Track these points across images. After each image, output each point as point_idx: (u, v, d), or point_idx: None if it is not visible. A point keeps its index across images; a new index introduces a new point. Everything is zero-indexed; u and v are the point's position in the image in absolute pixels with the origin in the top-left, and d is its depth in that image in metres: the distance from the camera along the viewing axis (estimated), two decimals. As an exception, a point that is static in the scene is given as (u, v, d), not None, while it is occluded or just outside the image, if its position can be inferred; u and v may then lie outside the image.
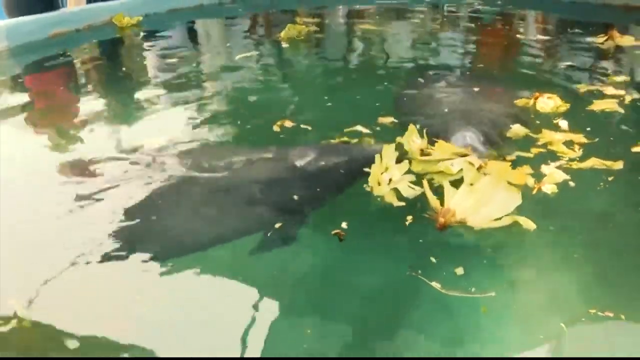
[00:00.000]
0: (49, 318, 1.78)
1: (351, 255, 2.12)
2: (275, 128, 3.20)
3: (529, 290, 1.92)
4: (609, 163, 2.60)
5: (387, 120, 3.24)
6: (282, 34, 5.57)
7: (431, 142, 2.65)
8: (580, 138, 2.87)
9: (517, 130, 2.99)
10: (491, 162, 2.49)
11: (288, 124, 3.24)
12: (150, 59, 5.20)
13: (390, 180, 2.45)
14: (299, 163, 2.67)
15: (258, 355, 1.65)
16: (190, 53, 5.44)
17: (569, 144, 2.82)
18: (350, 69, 4.92)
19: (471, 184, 2.17)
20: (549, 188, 2.41)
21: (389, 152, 2.54)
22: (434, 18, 6.97)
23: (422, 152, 2.60)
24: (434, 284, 1.86)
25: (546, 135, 2.93)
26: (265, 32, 6.53)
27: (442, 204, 2.16)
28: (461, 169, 2.37)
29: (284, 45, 5.43)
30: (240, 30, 6.48)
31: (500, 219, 2.08)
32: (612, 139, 2.94)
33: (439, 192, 2.26)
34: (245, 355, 1.64)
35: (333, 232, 2.16)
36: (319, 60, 5.24)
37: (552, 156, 2.71)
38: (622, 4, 6.67)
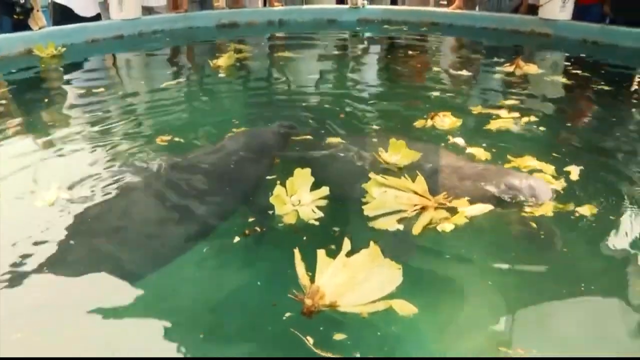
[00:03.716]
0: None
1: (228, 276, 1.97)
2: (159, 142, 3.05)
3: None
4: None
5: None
6: (221, 61, 5.12)
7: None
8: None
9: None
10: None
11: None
12: (70, 92, 4.67)
13: (299, 201, 2.25)
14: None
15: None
16: (110, 85, 4.91)
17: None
18: (270, 95, 4.59)
19: (346, 256, 1.77)
20: (445, 227, 2.12)
21: (301, 175, 2.33)
22: (353, 46, 6.74)
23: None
24: (308, 338, 1.53)
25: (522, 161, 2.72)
26: (189, 61, 6.17)
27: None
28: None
29: (221, 73, 4.97)
30: (162, 60, 6.01)
31: (376, 301, 1.66)
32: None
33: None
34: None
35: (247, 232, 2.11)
36: (241, 87, 4.85)
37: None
38: (529, 30, 6.62)
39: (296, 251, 1.81)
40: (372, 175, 2.38)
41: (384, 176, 2.38)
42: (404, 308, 1.63)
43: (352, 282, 1.67)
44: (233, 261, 2.09)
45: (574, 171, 2.62)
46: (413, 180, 2.34)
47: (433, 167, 2.58)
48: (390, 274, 1.69)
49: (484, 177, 2.42)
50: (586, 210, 2.26)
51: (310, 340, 1.55)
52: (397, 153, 2.65)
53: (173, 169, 2.59)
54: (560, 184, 2.49)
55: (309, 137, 3.14)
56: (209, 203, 2.39)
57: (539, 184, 2.36)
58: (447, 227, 2.13)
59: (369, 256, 1.72)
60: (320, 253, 1.79)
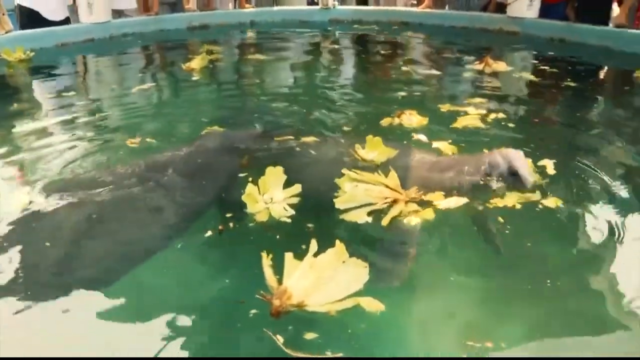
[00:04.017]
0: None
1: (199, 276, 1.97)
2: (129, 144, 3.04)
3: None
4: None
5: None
6: (193, 63, 5.08)
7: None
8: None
9: None
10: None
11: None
12: (39, 96, 4.58)
13: (271, 199, 2.26)
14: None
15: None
16: (80, 88, 4.80)
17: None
18: (243, 96, 4.54)
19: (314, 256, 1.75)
20: (412, 220, 2.13)
21: (273, 173, 2.33)
22: (324, 46, 6.71)
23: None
24: (278, 338, 1.53)
25: None
26: (161, 64, 6.09)
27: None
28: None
29: (194, 75, 4.91)
30: (134, 63, 5.92)
31: (343, 300, 1.64)
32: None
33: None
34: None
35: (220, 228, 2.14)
36: (214, 89, 4.80)
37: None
38: (497, 28, 6.69)
39: (263, 254, 1.78)
40: (345, 170, 2.39)
41: (356, 171, 2.39)
42: (371, 305, 1.62)
43: (319, 281, 1.65)
44: (204, 261, 2.08)
45: (549, 165, 2.64)
46: (386, 176, 2.36)
47: (412, 162, 2.60)
48: (357, 272, 1.68)
49: (463, 165, 2.44)
50: (552, 202, 2.28)
51: (280, 340, 1.53)
52: (374, 150, 2.66)
53: (144, 170, 2.56)
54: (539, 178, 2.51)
55: (283, 136, 3.12)
56: (181, 203, 2.37)
57: (515, 154, 2.38)
58: (414, 220, 2.14)
59: (335, 255, 1.71)
60: (288, 256, 1.77)
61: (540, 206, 2.28)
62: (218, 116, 3.64)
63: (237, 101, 4.37)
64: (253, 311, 1.67)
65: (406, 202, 2.25)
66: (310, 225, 2.17)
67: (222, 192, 2.54)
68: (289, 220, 2.20)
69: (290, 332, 1.59)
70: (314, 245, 1.78)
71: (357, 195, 2.26)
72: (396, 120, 3.31)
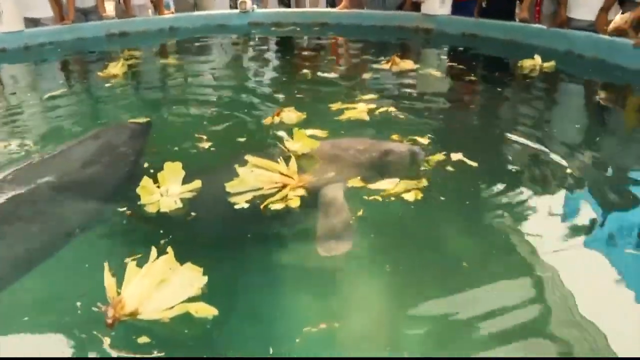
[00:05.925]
0: None
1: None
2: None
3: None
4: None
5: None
6: (111, 70, 4.99)
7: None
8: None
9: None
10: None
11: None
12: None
13: (167, 192, 2.32)
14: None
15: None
16: None
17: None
18: (158, 101, 4.48)
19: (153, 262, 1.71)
20: (276, 206, 2.25)
21: (171, 168, 2.38)
22: (242, 50, 6.73)
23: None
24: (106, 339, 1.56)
25: None
26: (78, 71, 5.95)
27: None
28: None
29: (110, 82, 4.81)
30: (49, 72, 5.78)
31: (176, 306, 1.63)
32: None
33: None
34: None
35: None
36: (131, 94, 4.74)
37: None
38: (413, 26, 6.80)
39: (105, 264, 1.74)
40: (247, 157, 2.47)
41: (258, 158, 2.47)
42: (202, 310, 1.62)
43: (152, 289, 1.64)
44: (72, 259, 2.09)
45: (437, 156, 2.73)
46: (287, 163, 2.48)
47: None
48: (192, 277, 1.68)
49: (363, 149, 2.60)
50: (411, 196, 2.33)
51: (110, 344, 1.56)
52: (299, 141, 2.76)
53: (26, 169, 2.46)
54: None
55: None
56: (65, 200, 2.32)
57: (414, 148, 2.58)
58: (279, 206, 2.25)
59: (166, 262, 1.70)
60: (130, 265, 1.75)
61: (405, 197, 2.35)
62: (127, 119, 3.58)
63: (150, 106, 4.32)
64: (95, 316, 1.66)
65: (294, 188, 2.34)
66: (194, 214, 2.26)
67: (116, 186, 2.52)
68: (176, 213, 2.27)
69: (124, 337, 1.60)
70: (154, 252, 1.76)
71: (247, 180, 2.34)
72: (276, 119, 3.36)
